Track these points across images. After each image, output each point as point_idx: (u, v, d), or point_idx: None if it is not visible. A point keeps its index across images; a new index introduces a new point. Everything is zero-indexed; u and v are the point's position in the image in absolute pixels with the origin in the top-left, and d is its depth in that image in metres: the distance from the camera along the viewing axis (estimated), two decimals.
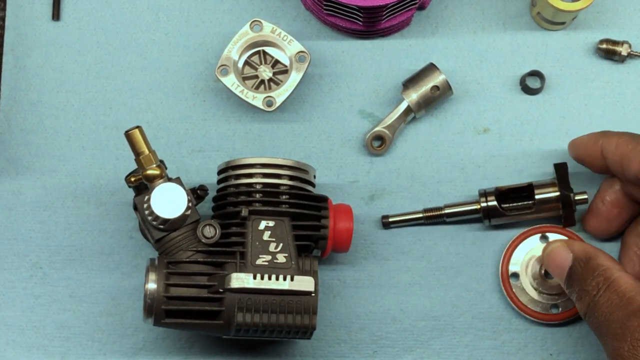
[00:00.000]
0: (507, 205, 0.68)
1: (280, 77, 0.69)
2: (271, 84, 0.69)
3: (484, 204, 0.68)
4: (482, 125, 0.71)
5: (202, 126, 0.71)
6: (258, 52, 0.69)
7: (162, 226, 0.61)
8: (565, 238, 0.68)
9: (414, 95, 0.68)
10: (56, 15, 0.72)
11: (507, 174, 0.70)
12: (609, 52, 0.71)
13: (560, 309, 0.67)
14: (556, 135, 0.71)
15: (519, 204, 0.68)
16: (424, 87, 0.68)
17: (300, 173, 0.64)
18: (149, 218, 0.61)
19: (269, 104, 0.67)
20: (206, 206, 0.67)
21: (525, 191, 0.68)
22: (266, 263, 0.61)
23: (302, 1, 0.72)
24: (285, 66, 0.69)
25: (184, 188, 0.61)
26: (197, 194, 0.66)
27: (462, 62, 0.72)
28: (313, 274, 0.61)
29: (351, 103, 0.71)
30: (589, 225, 0.67)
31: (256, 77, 0.69)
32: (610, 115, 0.71)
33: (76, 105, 0.71)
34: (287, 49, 0.68)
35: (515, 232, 0.69)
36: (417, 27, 0.72)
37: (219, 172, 0.66)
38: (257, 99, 0.67)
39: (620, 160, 0.61)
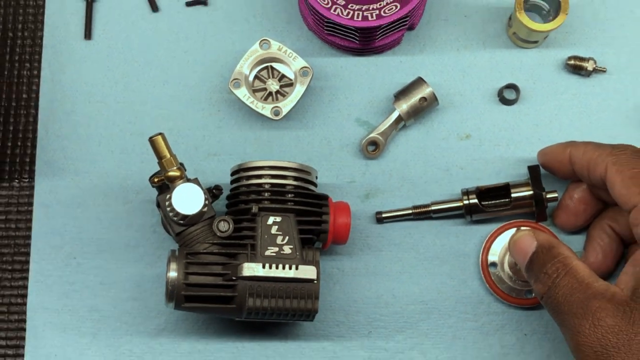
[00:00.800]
0: (487, 202, 0.67)
1: (286, 89, 0.68)
2: (278, 95, 0.68)
3: (466, 202, 0.67)
4: (465, 132, 0.70)
5: (217, 133, 0.70)
6: (266, 68, 0.68)
7: (181, 221, 0.61)
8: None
9: (404, 106, 0.68)
10: (88, 35, 0.71)
11: (487, 175, 0.69)
12: (576, 67, 0.70)
13: (533, 294, 0.66)
14: (530, 141, 0.70)
15: (497, 201, 0.67)
16: (413, 99, 0.68)
17: (303, 174, 0.64)
18: (170, 214, 0.61)
19: (276, 113, 0.67)
20: (221, 204, 0.66)
21: (503, 190, 0.67)
22: (274, 254, 0.61)
23: (305, 22, 0.71)
24: (291, 80, 0.68)
25: (201, 188, 0.61)
26: (212, 193, 0.66)
27: (446, 77, 0.71)
28: (315, 263, 0.61)
29: (349, 112, 0.70)
30: (559, 220, 0.67)
31: (265, 89, 0.68)
32: (577, 124, 0.70)
33: (106, 114, 0.70)
34: (292, 65, 0.67)
35: (493, 227, 0.68)
36: (407, 45, 0.71)
37: (232, 174, 0.65)
38: (265, 109, 0.67)
39: (587, 165, 0.61)
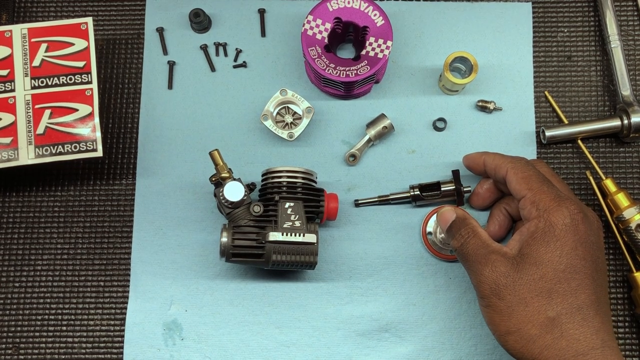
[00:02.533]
0: (425, 193, 0.68)
1: (297, 121, 0.69)
2: (292, 125, 0.69)
3: (412, 193, 0.68)
4: (411, 148, 0.70)
5: (253, 149, 0.70)
6: (284, 107, 0.69)
7: (230, 206, 0.62)
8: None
9: (372, 132, 0.69)
10: (170, 86, 0.72)
11: (425, 176, 0.70)
12: (483, 107, 0.70)
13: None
14: (453, 154, 0.70)
15: (432, 193, 0.68)
16: (378, 127, 0.69)
17: (308, 175, 0.65)
18: (223, 201, 0.62)
19: (291, 136, 0.68)
20: (255, 194, 0.68)
21: (435, 186, 0.68)
22: (289, 226, 0.62)
23: (309, 78, 0.72)
24: (300, 115, 0.69)
25: (243, 184, 0.62)
26: (249, 187, 0.67)
27: (399, 113, 0.71)
28: (315, 232, 0.62)
29: (337, 136, 0.71)
30: (473, 202, 0.68)
31: (283, 121, 0.69)
32: (484, 143, 0.70)
33: (181, 137, 0.71)
34: (300, 105, 0.68)
35: (429, 209, 0.69)
36: (374, 93, 0.72)
37: (262, 175, 0.66)
38: (284, 134, 0.68)
39: (495, 168, 0.61)
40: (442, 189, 0.68)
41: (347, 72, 0.66)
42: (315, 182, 0.67)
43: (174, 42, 0.73)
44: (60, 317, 0.68)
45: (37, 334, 0.68)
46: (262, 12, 0.73)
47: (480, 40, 0.72)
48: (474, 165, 0.65)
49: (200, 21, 0.71)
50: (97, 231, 0.70)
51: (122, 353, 0.67)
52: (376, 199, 0.69)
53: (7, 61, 0.67)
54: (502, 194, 0.66)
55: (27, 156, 0.65)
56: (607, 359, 0.50)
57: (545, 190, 0.56)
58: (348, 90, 0.69)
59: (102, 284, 0.69)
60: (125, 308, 0.68)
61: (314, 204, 0.64)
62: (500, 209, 0.66)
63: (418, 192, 0.68)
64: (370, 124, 0.69)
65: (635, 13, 0.74)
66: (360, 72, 0.66)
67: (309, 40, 0.67)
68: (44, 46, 0.67)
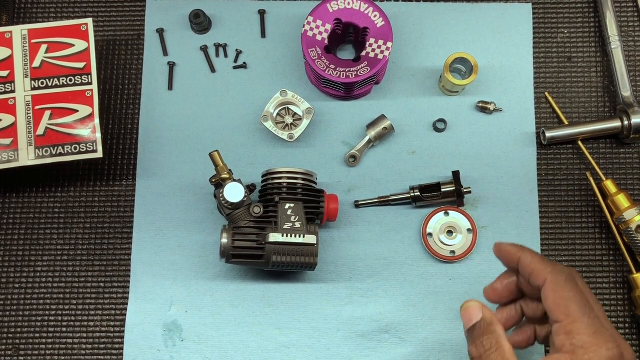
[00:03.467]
0: (426, 194, 0.67)
1: (297, 122, 0.69)
2: (292, 126, 0.69)
3: (412, 194, 0.68)
4: (412, 149, 0.70)
5: (253, 150, 0.70)
6: (284, 108, 0.69)
7: (230, 207, 0.62)
8: (458, 214, 0.68)
9: (372, 133, 0.69)
10: (170, 87, 0.72)
11: (426, 177, 0.70)
12: (483, 108, 0.70)
13: (455, 253, 0.67)
14: (453, 155, 0.70)
15: (432, 194, 0.67)
16: (378, 128, 0.69)
17: (308, 176, 0.65)
18: (223, 202, 0.62)
19: (291, 137, 0.68)
20: (255, 195, 0.68)
21: (436, 187, 0.67)
22: (289, 227, 0.62)
23: (309, 79, 0.72)
24: (300, 116, 0.69)
25: (242, 185, 0.62)
26: (250, 188, 0.68)
27: (400, 114, 0.71)
28: (315, 234, 0.62)
29: (337, 137, 0.71)
30: (487, 294, 0.58)
31: (284, 122, 0.69)
32: (484, 144, 0.70)
33: (181, 138, 0.71)
34: (301, 106, 0.68)
35: (430, 210, 0.69)
36: (375, 94, 0.72)
37: (262, 176, 0.66)
38: (284, 135, 0.68)
39: (531, 272, 0.53)
40: (443, 190, 0.68)
41: (348, 73, 0.66)
42: (316, 183, 0.67)
43: (174, 43, 0.73)
44: (60, 318, 0.68)
45: (37, 335, 0.68)
46: (262, 13, 0.73)
47: (481, 42, 0.72)
48: (506, 258, 0.56)
49: (200, 22, 0.71)
50: (97, 232, 0.70)
51: (122, 354, 0.67)
52: (376, 200, 0.69)
53: (8, 62, 0.67)
54: (521, 294, 0.58)
55: (27, 157, 0.65)
56: None
57: (585, 322, 0.49)
58: (348, 92, 0.69)
59: (102, 285, 0.69)
60: (126, 309, 0.68)
61: (314, 205, 0.64)
62: (515, 305, 0.58)
63: (418, 193, 0.68)
64: (371, 125, 0.69)
65: (636, 14, 0.74)
66: (360, 73, 0.66)
67: (309, 41, 0.66)
68: (44, 47, 0.67)
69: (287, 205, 0.63)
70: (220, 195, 0.62)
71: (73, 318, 0.68)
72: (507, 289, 0.57)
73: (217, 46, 0.73)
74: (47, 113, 0.66)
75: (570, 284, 0.51)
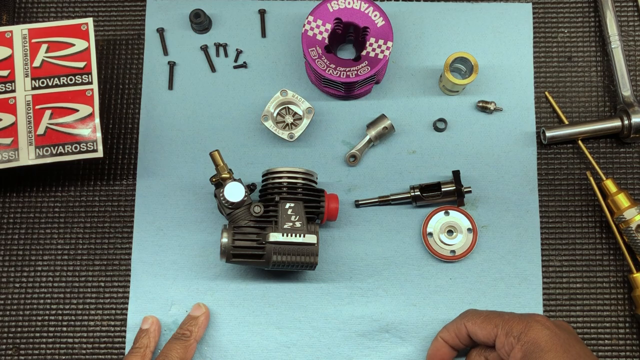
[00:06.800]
0: (426, 194, 0.67)
1: (297, 121, 0.68)
2: (292, 125, 0.68)
3: (412, 193, 0.68)
4: (412, 149, 0.70)
5: (253, 149, 0.70)
6: (285, 107, 0.69)
7: (230, 206, 0.62)
8: (458, 214, 0.67)
9: (373, 132, 0.69)
10: (170, 86, 0.72)
11: (426, 176, 0.70)
12: (483, 107, 0.70)
13: (455, 252, 0.67)
14: (453, 154, 0.70)
15: (432, 193, 0.67)
16: (379, 127, 0.68)
17: (308, 176, 0.65)
18: (223, 201, 0.62)
19: (291, 137, 0.68)
20: (255, 195, 0.68)
21: (436, 186, 0.67)
22: (289, 227, 0.62)
23: (310, 79, 0.72)
24: (300, 115, 0.69)
25: (243, 185, 0.62)
26: (250, 188, 0.68)
27: (400, 113, 0.71)
28: (316, 233, 0.62)
29: (337, 136, 0.71)
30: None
31: (284, 121, 0.68)
32: (484, 144, 0.70)
33: (182, 137, 0.71)
34: (301, 106, 0.68)
35: (430, 209, 0.69)
36: (375, 93, 0.72)
37: (263, 176, 0.66)
38: (284, 134, 0.68)
39: (456, 336, 0.60)
40: (443, 189, 0.68)
41: (348, 73, 0.66)
42: (316, 183, 0.67)
43: (174, 43, 0.73)
44: (60, 317, 0.68)
45: (37, 334, 0.68)
46: (262, 12, 0.73)
47: (481, 41, 0.72)
48: (438, 352, 0.62)
49: (200, 22, 0.71)
50: (98, 232, 0.70)
51: (122, 354, 0.67)
52: (376, 200, 0.69)
53: (8, 62, 0.66)
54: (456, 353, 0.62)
55: (27, 157, 0.65)
56: None
57: (508, 318, 0.55)
58: (348, 91, 0.69)
59: (102, 284, 0.69)
60: (126, 309, 0.68)
61: (315, 204, 0.64)
62: (479, 355, 0.60)
63: (418, 193, 0.68)
64: (371, 125, 0.69)
65: (636, 13, 0.74)
66: (360, 72, 0.66)
67: (309, 40, 0.66)
68: (44, 47, 0.67)
69: (288, 205, 0.62)
70: (221, 194, 0.62)
71: (73, 318, 0.68)
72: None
73: (217, 46, 0.73)
74: (48, 112, 0.66)
75: (476, 311, 0.58)
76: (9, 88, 0.66)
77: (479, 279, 0.68)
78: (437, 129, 0.71)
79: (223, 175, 0.63)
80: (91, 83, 0.66)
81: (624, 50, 0.71)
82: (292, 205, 0.63)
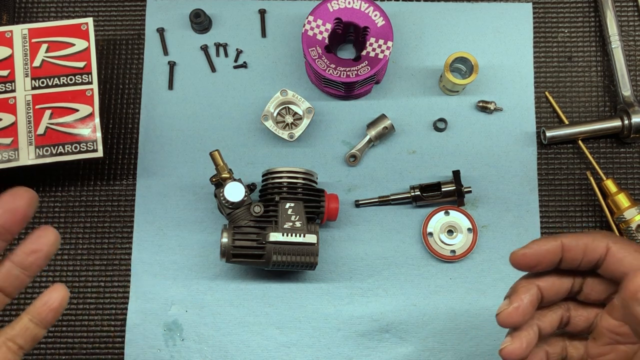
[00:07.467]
0: (426, 194, 0.67)
1: (297, 121, 0.69)
2: (292, 125, 0.69)
3: (412, 193, 0.68)
4: (412, 149, 0.70)
5: (253, 149, 0.70)
6: (285, 107, 0.69)
7: (230, 206, 0.62)
8: (458, 214, 0.67)
9: (373, 132, 0.69)
10: (170, 86, 0.72)
11: (426, 176, 0.70)
12: (483, 107, 0.70)
13: (455, 252, 0.67)
14: (453, 154, 0.70)
15: (433, 193, 0.67)
16: (379, 127, 0.69)
17: (308, 176, 0.65)
18: (223, 201, 0.62)
19: (291, 136, 0.68)
20: (255, 195, 0.68)
21: (436, 186, 0.68)
22: (289, 227, 0.62)
23: (310, 79, 0.72)
24: (300, 115, 0.69)
25: (243, 184, 0.62)
26: (250, 188, 0.68)
27: (400, 113, 0.71)
28: (316, 233, 0.62)
29: (337, 136, 0.71)
30: (512, 319, 0.43)
31: (284, 121, 0.69)
32: (484, 144, 0.70)
33: (182, 137, 0.71)
34: (301, 105, 0.68)
35: (430, 209, 0.69)
36: (375, 93, 0.72)
37: (263, 175, 0.66)
38: (284, 134, 0.68)
39: (584, 249, 0.43)
40: (443, 189, 0.68)
41: (348, 73, 0.66)
42: (316, 183, 0.67)
43: (174, 43, 0.73)
44: (60, 317, 0.68)
45: None
46: (262, 12, 0.73)
47: (481, 41, 0.72)
48: (542, 252, 0.43)
49: (200, 22, 0.71)
50: (98, 232, 0.70)
51: (122, 354, 0.67)
52: (377, 200, 0.69)
53: (8, 61, 0.66)
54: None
55: (27, 157, 0.65)
56: None
57: None
58: (348, 91, 0.69)
59: (102, 284, 0.69)
60: (126, 308, 0.68)
61: (315, 204, 0.64)
62: (532, 325, 0.45)
63: (418, 193, 0.68)
64: (371, 125, 0.69)
65: (636, 13, 0.74)
66: (360, 72, 0.66)
67: (309, 40, 0.66)
68: (44, 46, 0.67)
69: (288, 205, 0.63)
70: (221, 194, 0.62)
71: (73, 318, 0.68)
72: (531, 304, 0.44)
73: (218, 46, 0.73)
74: (48, 112, 0.66)
75: (627, 239, 0.44)
76: (9, 88, 0.66)
77: (479, 279, 0.68)
78: (437, 129, 0.71)
79: (223, 175, 0.63)
80: (91, 83, 0.66)
81: (624, 50, 0.71)
82: (292, 205, 0.63)
